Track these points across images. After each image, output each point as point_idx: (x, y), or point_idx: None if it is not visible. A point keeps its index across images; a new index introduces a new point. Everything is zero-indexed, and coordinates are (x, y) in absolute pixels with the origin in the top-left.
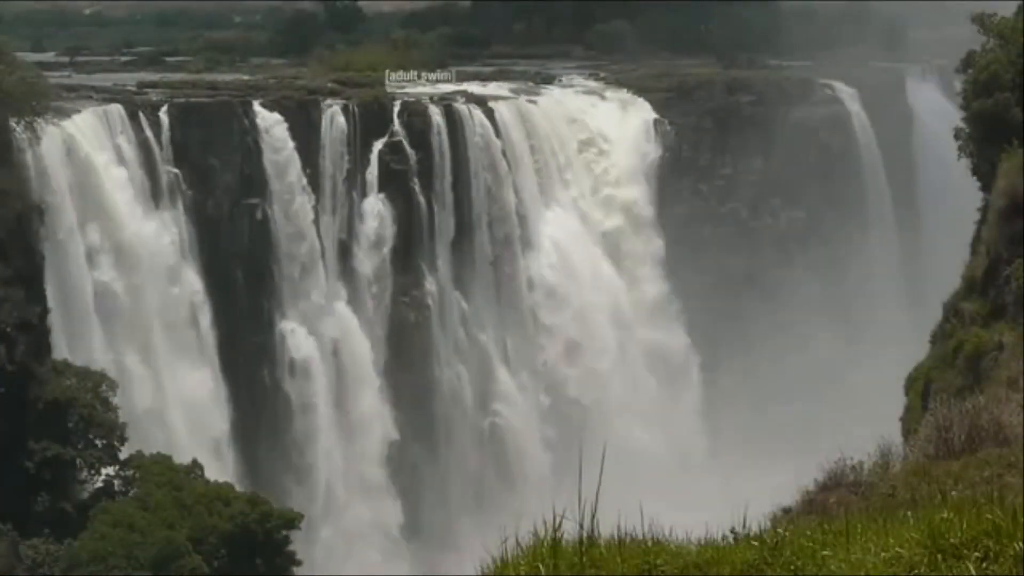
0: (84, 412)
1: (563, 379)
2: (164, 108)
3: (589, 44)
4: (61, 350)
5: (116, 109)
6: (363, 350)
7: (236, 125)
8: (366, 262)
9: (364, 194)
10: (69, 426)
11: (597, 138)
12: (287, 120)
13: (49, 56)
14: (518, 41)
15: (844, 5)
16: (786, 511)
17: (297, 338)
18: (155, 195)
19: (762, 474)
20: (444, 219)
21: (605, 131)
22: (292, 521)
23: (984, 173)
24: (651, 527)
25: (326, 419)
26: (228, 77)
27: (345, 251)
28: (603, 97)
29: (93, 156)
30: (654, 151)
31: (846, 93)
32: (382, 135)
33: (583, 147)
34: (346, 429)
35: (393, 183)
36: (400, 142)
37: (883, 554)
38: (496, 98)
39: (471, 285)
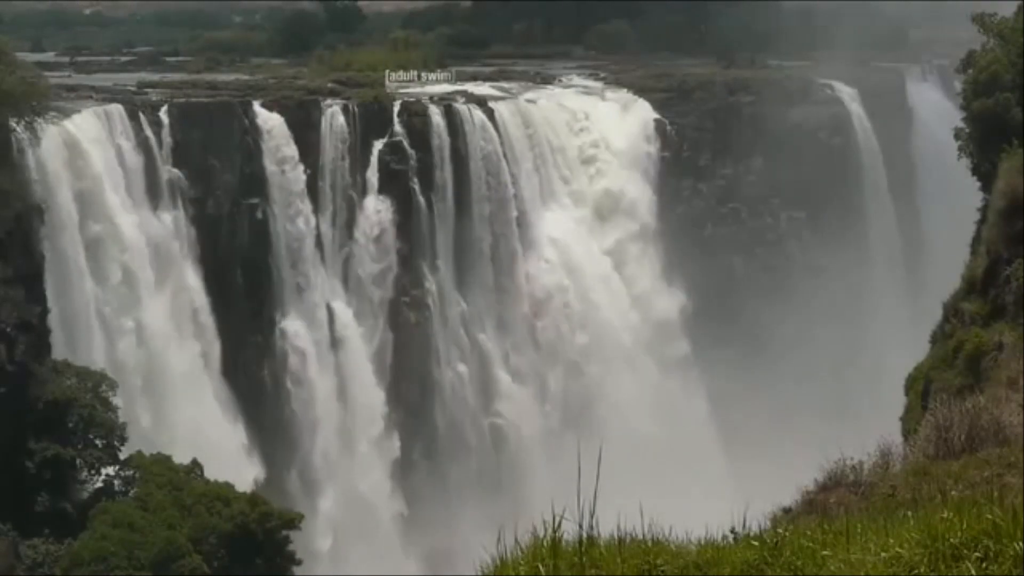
0: (84, 412)
1: (564, 379)
2: (164, 108)
3: (589, 44)
4: (61, 350)
5: (116, 109)
6: (363, 350)
7: (236, 125)
8: (366, 262)
9: (364, 194)
10: (69, 426)
11: (597, 138)
12: (287, 120)
13: (49, 56)
14: (518, 41)
15: (844, 5)
16: (786, 511)
17: (297, 338)
18: (155, 195)
19: (764, 473)
20: (444, 219)
21: (605, 131)
22: (292, 521)
23: (984, 173)
24: (651, 527)
25: (326, 418)
26: (228, 77)
27: (345, 251)
28: (603, 97)
29: (93, 156)
30: (654, 151)
31: (846, 93)
32: (382, 135)
33: (583, 147)
34: (346, 428)
35: (393, 183)
36: (400, 142)
37: (883, 554)
38: (496, 98)
39: (471, 285)
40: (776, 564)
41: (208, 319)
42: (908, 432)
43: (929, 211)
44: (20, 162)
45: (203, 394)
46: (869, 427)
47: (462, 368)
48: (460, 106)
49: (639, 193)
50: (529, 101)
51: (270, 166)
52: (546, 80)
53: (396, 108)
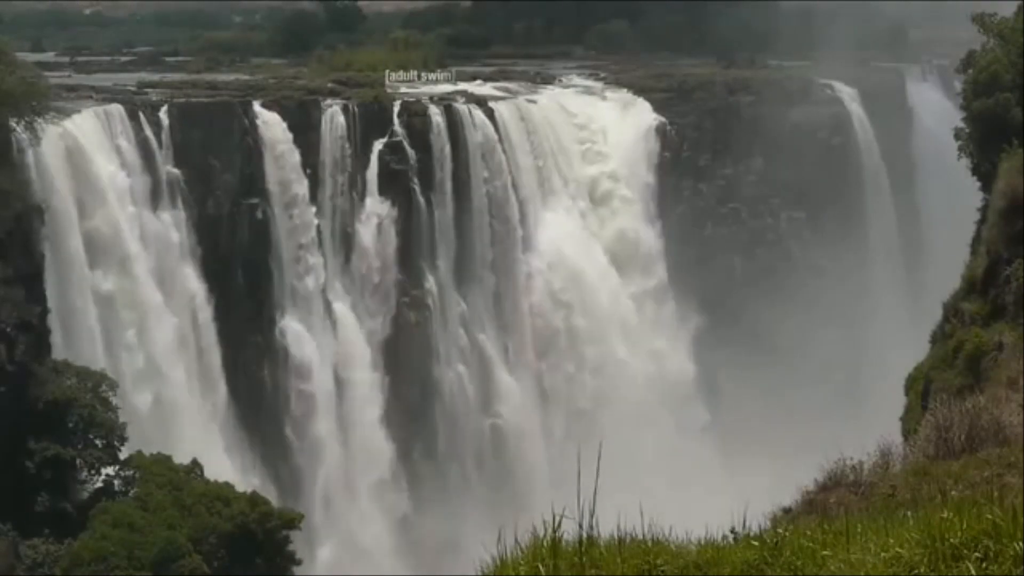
0: (84, 412)
1: (563, 379)
2: (164, 108)
3: (589, 44)
4: (61, 350)
5: (116, 109)
6: (363, 350)
7: (236, 125)
8: (366, 262)
9: (364, 194)
10: (69, 426)
11: (597, 138)
12: (287, 120)
13: (49, 56)
14: (518, 41)
15: (844, 5)
16: (786, 511)
17: (297, 338)
18: (155, 195)
19: (764, 473)
20: (444, 219)
21: (605, 131)
22: (292, 521)
23: (984, 173)
24: (651, 527)
25: (326, 419)
26: (228, 77)
27: (345, 251)
28: (603, 97)
29: (93, 156)
30: (654, 151)
31: (846, 93)
32: (382, 135)
33: (583, 147)
34: (346, 429)
35: (393, 183)
36: (400, 142)
37: (883, 554)
38: (496, 98)
39: (471, 285)
40: (776, 564)
41: (208, 319)
42: (908, 432)
43: (929, 211)
44: (20, 162)
45: (203, 399)
46: (869, 427)
47: (462, 368)
48: (460, 106)
49: (639, 193)
50: (529, 101)
51: (270, 166)
52: (546, 80)
53: (396, 108)
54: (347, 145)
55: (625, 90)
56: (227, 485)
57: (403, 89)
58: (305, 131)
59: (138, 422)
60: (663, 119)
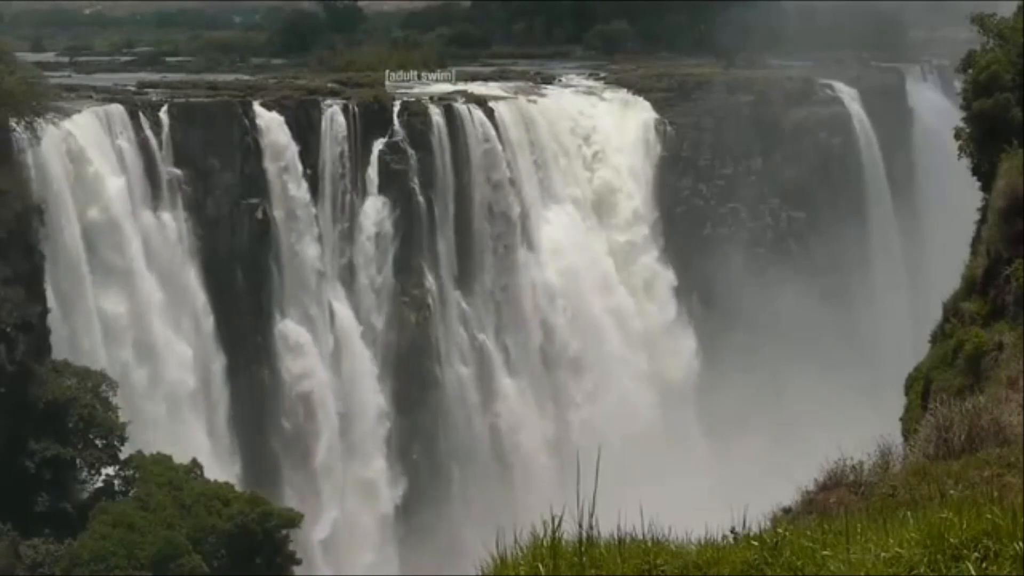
0: (84, 412)
1: (563, 378)
2: (164, 108)
3: (589, 44)
4: (61, 350)
5: (116, 109)
6: (363, 350)
7: (236, 125)
8: (366, 262)
9: (364, 194)
10: (69, 426)
11: (597, 138)
12: (287, 120)
13: (49, 56)
14: (518, 41)
15: (844, 5)
16: (786, 511)
17: (297, 338)
18: (155, 195)
19: (763, 473)
20: (444, 219)
21: (605, 131)
22: (292, 521)
23: (984, 173)
24: (651, 527)
25: (326, 419)
26: (228, 77)
27: (345, 251)
28: (603, 97)
29: (93, 156)
30: (654, 151)
31: (846, 93)
32: (382, 135)
33: (583, 147)
34: (346, 429)
35: (393, 183)
36: (400, 142)
37: (883, 554)
38: (496, 98)
39: (471, 285)
40: (776, 564)
41: (208, 319)
42: (908, 432)
43: (929, 211)
44: (20, 162)
45: (202, 398)
46: (869, 427)
47: (462, 368)
48: (460, 106)
49: (638, 193)
50: (529, 101)
51: (270, 166)
52: (546, 80)
53: (396, 108)
54: (347, 145)
55: (625, 90)
56: (226, 485)
57: (403, 89)
58: (305, 131)
59: (137, 422)
60: (663, 119)
